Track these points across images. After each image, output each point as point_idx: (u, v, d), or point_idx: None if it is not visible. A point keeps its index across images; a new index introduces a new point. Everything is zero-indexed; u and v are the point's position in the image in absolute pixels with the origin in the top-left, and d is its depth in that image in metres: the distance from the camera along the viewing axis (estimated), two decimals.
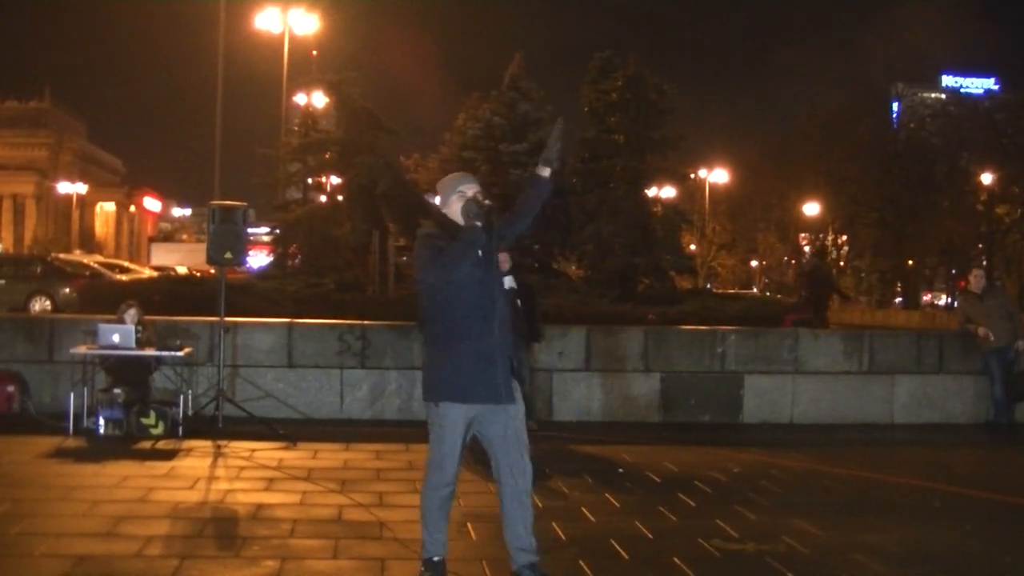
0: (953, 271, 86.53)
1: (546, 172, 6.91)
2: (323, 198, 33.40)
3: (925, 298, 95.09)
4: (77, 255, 52.65)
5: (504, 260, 13.88)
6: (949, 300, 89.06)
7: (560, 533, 8.32)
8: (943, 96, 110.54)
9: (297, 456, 11.27)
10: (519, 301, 13.72)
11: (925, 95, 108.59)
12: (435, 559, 6.89)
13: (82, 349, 12.85)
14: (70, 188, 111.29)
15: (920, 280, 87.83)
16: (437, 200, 7.22)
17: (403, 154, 47.20)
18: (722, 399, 15.09)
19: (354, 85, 32.69)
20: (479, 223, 6.58)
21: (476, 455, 7.53)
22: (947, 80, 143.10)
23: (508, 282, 13.75)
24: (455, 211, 6.80)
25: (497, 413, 6.74)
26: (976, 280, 15.97)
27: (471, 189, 6.83)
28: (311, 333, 14.51)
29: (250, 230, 16.11)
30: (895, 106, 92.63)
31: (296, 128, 36.96)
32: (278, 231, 33.46)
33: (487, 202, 6.68)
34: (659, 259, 32.29)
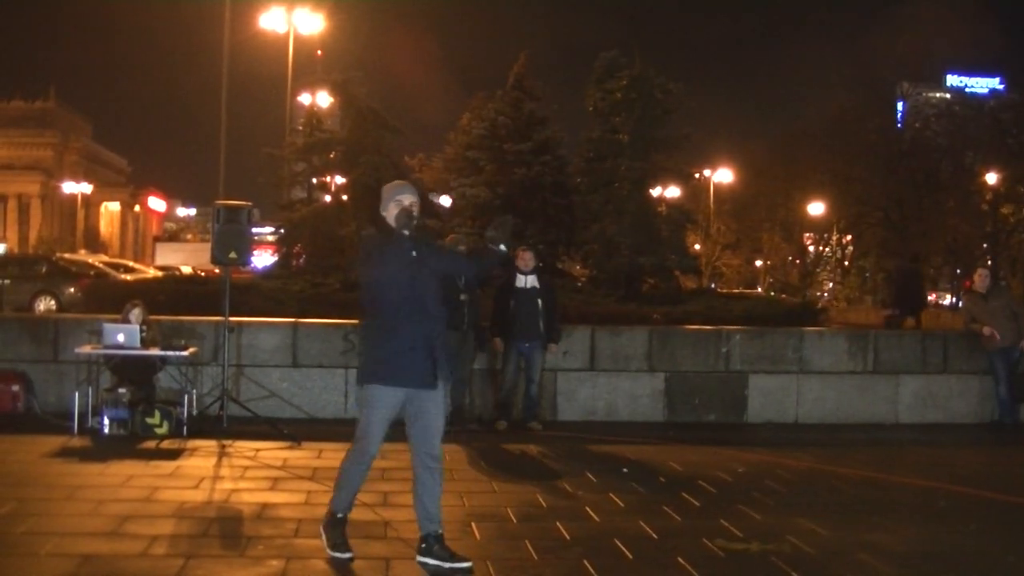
0: (958, 271, 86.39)
1: (500, 248, 7.66)
2: (328, 198, 33.33)
3: (931, 297, 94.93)
4: (82, 255, 52.70)
5: (529, 259, 14.00)
6: (954, 300, 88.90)
7: (564, 533, 8.33)
8: (948, 96, 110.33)
9: (301, 456, 11.28)
10: (540, 301, 13.77)
11: (930, 95, 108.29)
12: (339, 515, 7.62)
13: (87, 349, 12.87)
14: (75, 188, 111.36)
15: (925, 280, 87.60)
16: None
17: (408, 154, 47.18)
18: (727, 399, 15.09)
19: (359, 85, 32.64)
20: (406, 232, 7.45)
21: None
22: (952, 80, 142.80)
23: (531, 280, 13.88)
24: (391, 216, 7.60)
25: (419, 395, 7.46)
26: (981, 280, 15.96)
27: (407, 199, 7.61)
28: (315, 333, 14.52)
29: (255, 230, 16.13)
30: (900, 105, 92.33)
31: (301, 128, 36.87)
32: (282, 231, 33.38)
33: (415, 214, 7.57)
34: (664, 259, 32.17)
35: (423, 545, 7.41)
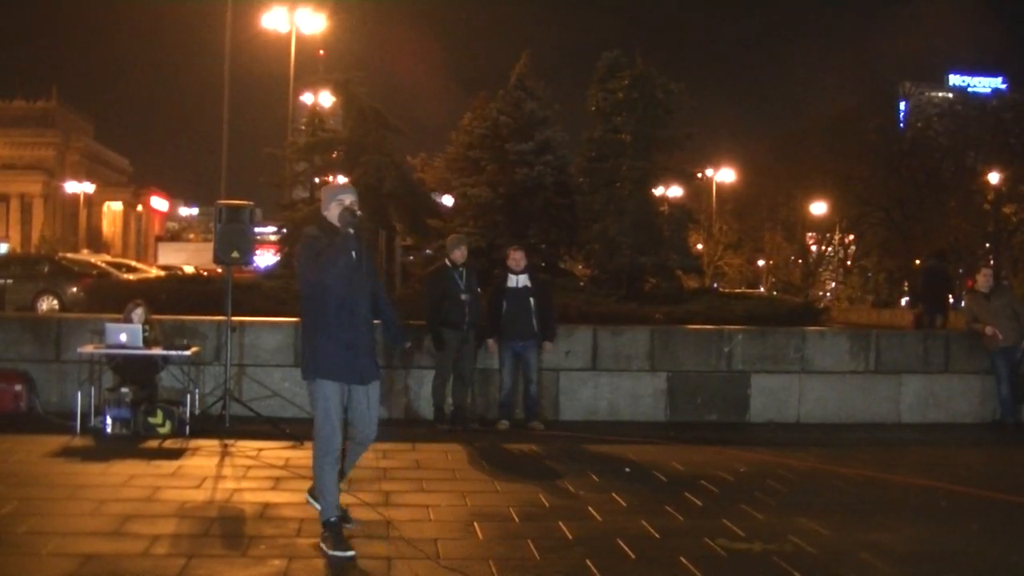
0: (960, 270, 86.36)
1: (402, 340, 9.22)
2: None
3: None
4: (84, 254, 52.70)
5: (519, 259, 14.00)
6: (955, 299, 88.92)
7: (567, 532, 8.33)
8: (950, 95, 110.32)
9: (304, 455, 11.24)
10: (532, 300, 13.79)
11: (932, 94, 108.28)
12: (332, 520, 7.75)
13: (89, 348, 12.89)
14: (77, 187, 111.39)
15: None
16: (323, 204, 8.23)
17: (410, 153, 47.20)
18: (729, 398, 15.09)
19: (361, 84, 32.69)
20: (351, 230, 7.71)
21: None
22: (954, 79, 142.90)
23: (522, 280, 13.90)
24: (333, 215, 7.92)
25: (359, 389, 7.94)
26: (984, 279, 15.94)
27: (348, 199, 7.94)
28: None
29: (257, 229, 16.12)
30: (902, 105, 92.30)
31: (303, 127, 36.93)
32: (285, 230, 33.46)
33: (359, 212, 7.86)
34: (666, 258, 32.17)
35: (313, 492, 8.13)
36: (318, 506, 7.95)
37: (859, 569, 7.60)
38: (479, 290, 13.92)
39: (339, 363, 7.78)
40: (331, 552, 7.51)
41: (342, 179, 32.40)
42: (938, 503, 10.10)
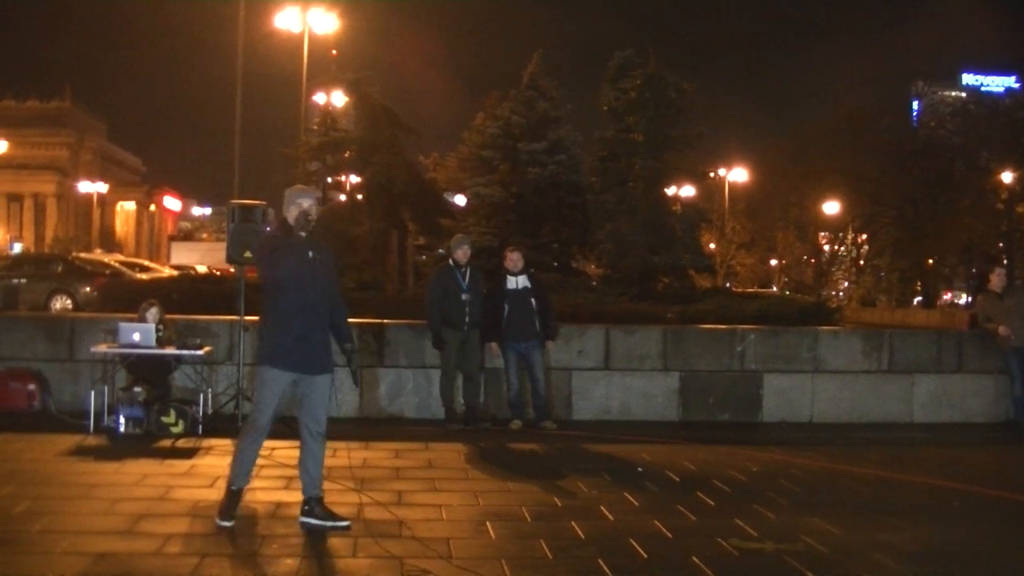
0: (973, 270, 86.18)
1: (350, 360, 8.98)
2: (342, 197, 33.44)
3: (946, 296, 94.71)
4: (97, 254, 52.80)
5: (517, 260, 14.01)
6: (969, 299, 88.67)
7: (579, 532, 8.33)
8: (963, 94, 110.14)
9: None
10: (533, 300, 13.80)
11: (945, 93, 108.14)
12: (233, 488, 8.36)
13: (102, 347, 12.91)
14: (90, 187, 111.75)
15: (940, 279, 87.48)
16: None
17: (422, 153, 47.25)
18: (741, 398, 15.07)
19: (373, 84, 32.77)
20: (304, 234, 8.29)
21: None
22: (967, 78, 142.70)
23: (522, 281, 13.91)
24: (292, 217, 8.37)
25: (306, 379, 8.37)
26: (998, 279, 15.88)
27: (307, 203, 8.39)
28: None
29: (269, 229, 16.14)
30: (915, 104, 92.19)
31: (315, 127, 37.02)
32: None
33: (312, 218, 8.33)
34: (678, 258, 32.24)
35: (305, 507, 8.35)
36: (316, 523, 8.26)
37: (871, 569, 7.58)
38: (481, 290, 13.93)
39: (288, 353, 8.26)
40: (218, 521, 8.19)
41: (354, 179, 32.49)
42: (951, 503, 10.08)
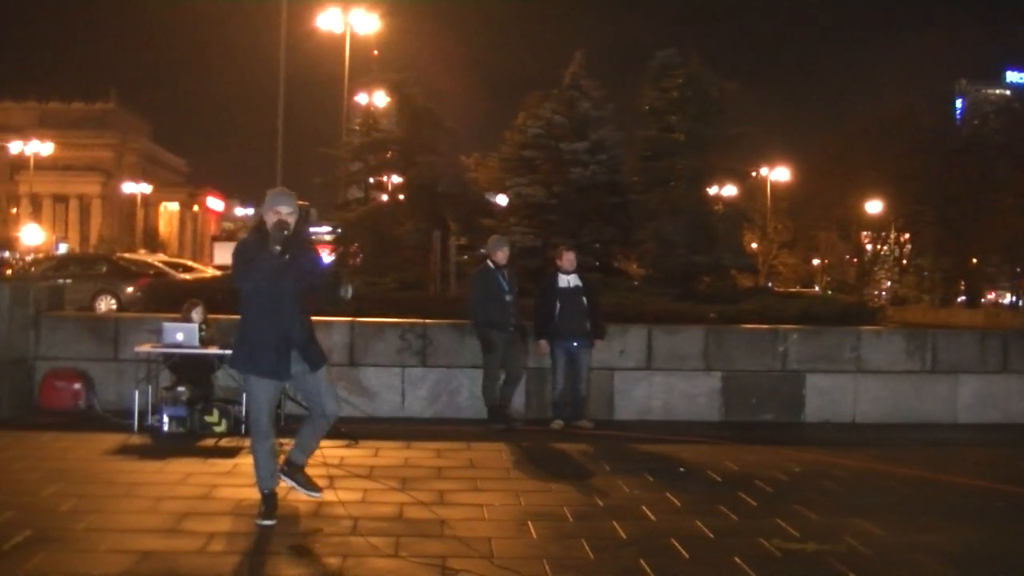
0: (1018, 269, 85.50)
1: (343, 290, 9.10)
2: (384, 197, 33.46)
3: (990, 296, 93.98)
4: (141, 254, 53.07)
5: (571, 259, 14.05)
6: (1014, 299, 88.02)
7: (620, 532, 8.33)
8: (1007, 92, 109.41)
9: (358, 454, 11.33)
10: (584, 299, 13.82)
11: (989, 91, 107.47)
12: (265, 492, 8.45)
13: (146, 347, 13.01)
14: (134, 188, 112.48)
15: (983, 278, 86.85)
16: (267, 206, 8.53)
17: (463, 153, 47.23)
18: (783, 398, 15.03)
19: (415, 85, 32.74)
20: (278, 247, 8.12)
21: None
22: (1011, 76, 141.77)
23: (573, 280, 13.95)
24: (270, 222, 8.29)
25: (300, 377, 8.50)
26: None
27: (284, 210, 8.30)
28: (372, 331, 14.59)
29: (311, 229, 16.19)
30: (958, 103, 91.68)
31: (357, 127, 37.01)
32: (339, 230, 33.52)
33: (286, 232, 8.18)
34: (720, 257, 32.07)
35: (285, 467, 8.69)
36: (291, 483, 8.72)
37: (914, 570, 7.55)
38: (518, 290, 14.00)
39: (260, 359, 8.33)
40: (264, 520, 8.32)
41: (396, 179, 32.55)
42: (994, 504, 10.03)
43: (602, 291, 16.81)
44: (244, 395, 8.79)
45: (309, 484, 8.74)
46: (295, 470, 8.68)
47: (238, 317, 8.66)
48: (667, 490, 9.91)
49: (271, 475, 8.51)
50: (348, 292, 9.18)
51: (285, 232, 8.19)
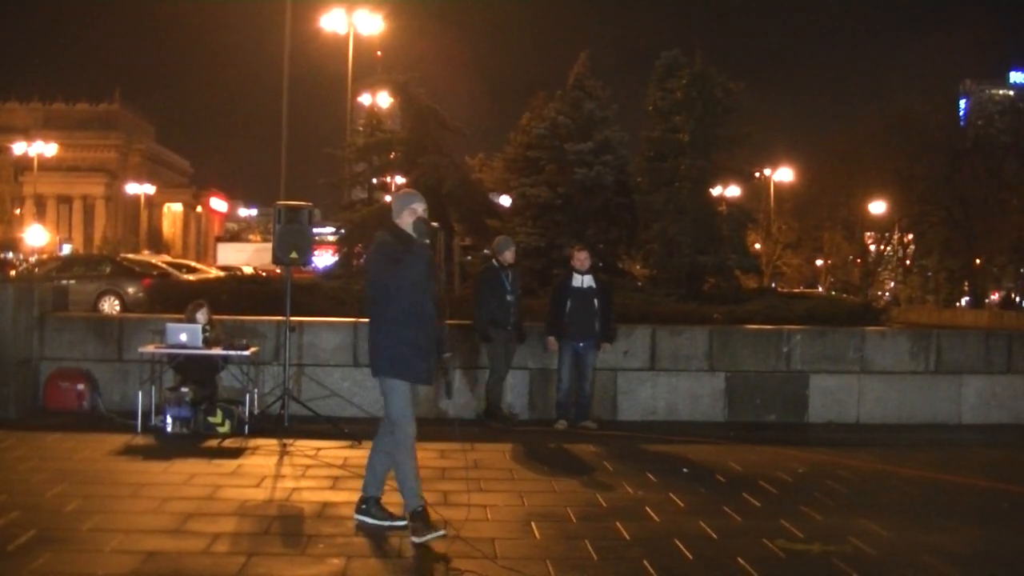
0: (1022, 270, 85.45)
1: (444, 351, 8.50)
2: (388, 198, 33.47)
3: (994, 296, 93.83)
4: (145, 255, 53.20)
5: (585, 259, 14.06)
6: (1019, 299, 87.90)
7: (624, 533, 8.33)
8: (1012, 93, 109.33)
9: (362, 455, 11.23)
10: (596, 300, 13.82)
11: (994, 92, 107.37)
12: (420, 510, 7.96)
13: (150, 348, 12.99)
14: (138, 189, 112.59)
15: (988, 279, 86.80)
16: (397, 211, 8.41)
17: (468, 154, 47.26)
18: (788, 399, 15.01)
19: (419, 85, 32.75)
20: (427, 240, 8.02)
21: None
22: (1016, 76, 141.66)
23: (587, 280, 13.95)
24: (406, 223, 8.18)
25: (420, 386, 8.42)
26: None
27: (421, 207, 8.23)
28: None
29: (316, 230, 16.21)
30: (963, 103, 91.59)
31: (361, 128, 37.08)
32: (344, 231, 33.58)
33: (434, 223, 8.15)
34: (725, 258, 32.12)
35: (363, 506, 8.41)
36: (370, 520, 8.31)
37: (919, 571, 7.54)
38: (520, 291, 14.06)
39: (408, 363, 8.04)
40: (419, 539, 7.78)
41: (400, 180, 32.54)
42: (1000, 505, 10.02)
43: (618, 293, 16.80)
44: (385, 401, 8.21)
45: (389, 515, 8.41)
46: (371, 505, 8.46)
47: (366, 322, 8.53)
48: (671, 491, 9.91)
49: (419, 494, 8.08)
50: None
51: (429, 226, 8.11)
